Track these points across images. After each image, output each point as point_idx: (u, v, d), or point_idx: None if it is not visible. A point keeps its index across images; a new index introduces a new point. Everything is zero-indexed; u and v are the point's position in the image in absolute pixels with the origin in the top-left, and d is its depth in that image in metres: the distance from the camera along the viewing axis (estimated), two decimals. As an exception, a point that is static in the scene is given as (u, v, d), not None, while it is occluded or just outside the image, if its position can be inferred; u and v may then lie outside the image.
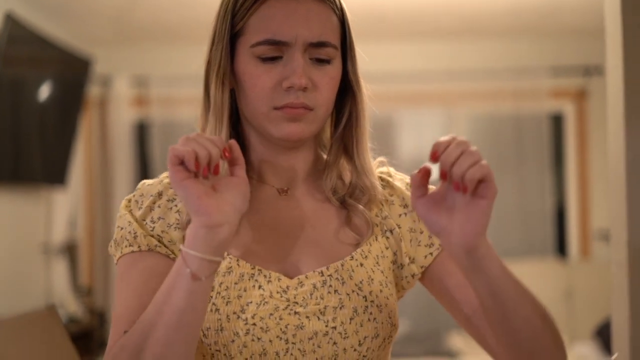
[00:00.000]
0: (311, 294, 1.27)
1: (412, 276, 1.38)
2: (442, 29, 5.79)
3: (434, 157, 1.13)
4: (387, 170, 1.45)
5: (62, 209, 5.33)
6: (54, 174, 5.00)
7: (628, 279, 2.17)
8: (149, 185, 1.38)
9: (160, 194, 1.35)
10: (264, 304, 1.26)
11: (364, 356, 1.28)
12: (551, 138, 6.00)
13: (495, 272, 1.18)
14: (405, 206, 1.40)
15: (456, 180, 1.12)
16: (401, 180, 1.44)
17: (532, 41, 5.98)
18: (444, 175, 1.13)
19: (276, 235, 1.33)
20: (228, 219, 1.14)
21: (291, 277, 1.29)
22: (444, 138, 1.14)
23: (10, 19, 4.15)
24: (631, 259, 2.17)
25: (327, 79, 1.31)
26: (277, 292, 1.27)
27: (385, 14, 5.36)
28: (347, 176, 1.38)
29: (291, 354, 1.25)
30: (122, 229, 1.33)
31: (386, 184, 1.42)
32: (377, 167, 1.44)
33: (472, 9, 5.28)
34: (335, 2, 1.34)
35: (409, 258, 1.37)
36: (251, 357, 1.25)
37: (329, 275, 1.29)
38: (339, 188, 1.37)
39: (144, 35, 5.74)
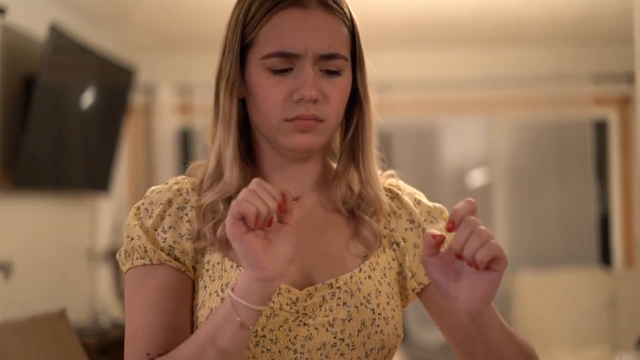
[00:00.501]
0: (320, 306, 1.28)
1: (412, 290, 1.40)
2: (483, 36, 5.78)
3: (450, 228, 1.15)
4: (397, 183, 1.46)
5: (106, 215, 5.41)
6: (97, 181, 5.07)
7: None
8: (158, 192, 1.38)
9: (170, 202, 1.35)
10: (273, 317, 1.27)
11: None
12: (594, 145, 5.96)
13: (494, 335, 1.24)
14: (412, 221, 1.41)
15: (468, 261, 1.14)
16: (410, 194, 1.45)
17: (573, 48, 5.95)
18: (458, 256, 1.15)
19: None
20: (282, 272, 1.17)
21: (301, 288, 1.30)
22: (459, 205, 1.15)
23: (55, 30, 4.22)
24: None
25: (337, 91, 1.31)
26: (287, 304, 1.28)
27: (426, 22, 5.37)
28: (356, 186, 1.38)
29: None
30: (132, 239, 1.33)
31: (394, 196, 1.43)
32: (386, 178, 1.45)
33: (513, 17, 5.27)
34: (345, 13, 1.34)
35: (411, 272, 1.39)
36: None
37: (338, 288, 1.30)
38: (348, 198, 1.38)
39: (187, 44, 5.81)
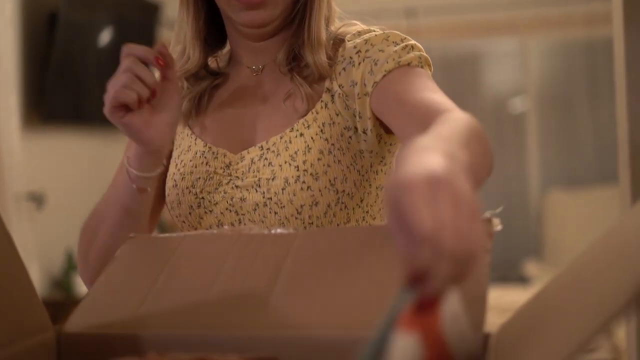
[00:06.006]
0: (249, 168, 1.33)
1: (370, 131, 1.32)
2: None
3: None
4: (360, 29, 1.40)
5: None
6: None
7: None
8: None
9: None
10: (209, 179, 1.35)
11: (310, 223, 1.30)
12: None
13: None
14: (344, 60, 1.35)
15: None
16: (357, 34, 1.38)
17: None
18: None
19: (235, 114, 1.40)
20: (168, 138, 1.27)
21: (238, 153, 1.36)
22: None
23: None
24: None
25: None
26: (221, 168, 1.35)
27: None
28: (300, 50, 1.38)
29: (244, 224, 1.34)
30: None
31: (339, 44, 1.39)
32: (343, 27, 1.42)
33: None
34: None
35: (358, 114, 1.32)
36: (210, 227, 1.37)
37: (267, 149, 1.33)
38: (291, 61, 1.38)
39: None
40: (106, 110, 1.20)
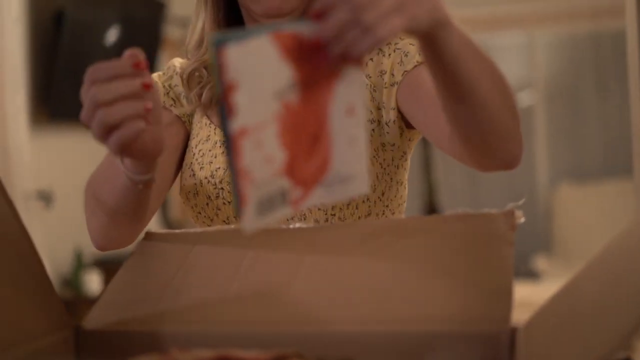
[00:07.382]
0: None
1: (393, 122, 1.31)
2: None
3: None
4: None
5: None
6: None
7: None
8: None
9: (170, 77, 1.42)
10: (229, 169, 1.32)
11: (332, 215, 1.29)
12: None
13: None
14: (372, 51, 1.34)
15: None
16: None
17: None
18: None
19: None
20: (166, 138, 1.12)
21: None
22: None
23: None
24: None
25: None
26: None
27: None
28: None
29: None
30: None
31: None
32: None
33: None
34: None
35: (383, 105, 1.31)
36: (227, 219, 1.34)
37: None
38: None
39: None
40: (115, 152, 0.98)
